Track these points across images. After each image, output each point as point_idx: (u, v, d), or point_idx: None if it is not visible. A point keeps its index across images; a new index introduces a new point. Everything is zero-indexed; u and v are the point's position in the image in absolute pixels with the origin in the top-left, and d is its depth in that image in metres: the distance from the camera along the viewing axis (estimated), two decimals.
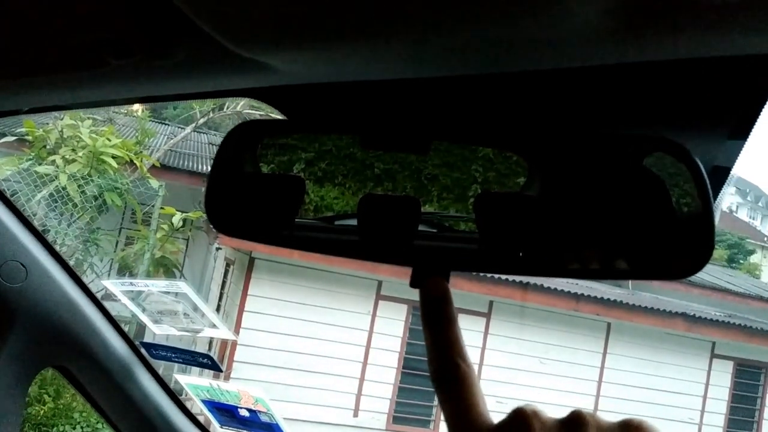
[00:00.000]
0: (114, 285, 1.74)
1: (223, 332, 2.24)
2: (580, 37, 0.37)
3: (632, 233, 0.46)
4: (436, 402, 8.24)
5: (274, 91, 0.55)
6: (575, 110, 0.54)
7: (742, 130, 0.48)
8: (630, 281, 10.70)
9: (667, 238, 0.44)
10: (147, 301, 1.75)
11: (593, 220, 0.47)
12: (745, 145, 0.49)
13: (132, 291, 1.76)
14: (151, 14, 0.44)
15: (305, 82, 0.50)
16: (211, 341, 7.88)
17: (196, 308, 1.81)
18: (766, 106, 0.46)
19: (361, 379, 8.18)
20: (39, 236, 1.09)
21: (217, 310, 8.45)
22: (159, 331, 1.79)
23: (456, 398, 0.44)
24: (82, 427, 5.95)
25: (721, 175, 0.50)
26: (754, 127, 0.47)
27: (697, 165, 0.40)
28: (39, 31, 0.48)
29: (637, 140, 0.47)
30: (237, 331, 7.74)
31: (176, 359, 1.56)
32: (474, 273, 7.78)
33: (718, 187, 0.49)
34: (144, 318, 1.74)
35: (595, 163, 0.48)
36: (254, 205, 0.54)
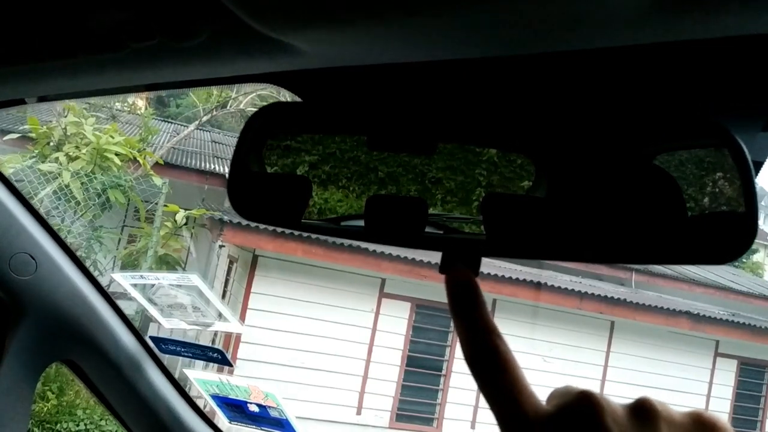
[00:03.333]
0: (123, 278, 1.73)
1: (234, 325, 2.23)
2: (617, 15, 0.36)
3: (646, 227, 0.45)
4: (439, 400, 8.25)
5: (296, 75, 0.54)
6: (595, 100, 0.53)
7: None
8: (633, 279, 10.70)
9: (684, 228, 0.43)
10: (157, 294, 1.74)
11: (604, 219, 0.46)
12: None
13: (141, 284, 1.75)
14: None
15: (330, 65, 0.49)
16: (213, 339, 7.88)
17: (207, 301, 1.80)
18: None
19: (364, 377, 8.17)
20: (49, 229, 1.08)
21: None
22: (169, 325, 1.78)
23: (500, 381, 0.41)
24: (85, 424, 5.95)
25: (754, 168, 0.49)
26: None
27: (740, 145, 0.39)
28: (54, 13, 0.47)
29: (680, 120, 0.45)
30: None
31: (186, 353, 1.55)
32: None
33: None
34: (154, 311, 1.73)
35: (606, 161, 0.47)
36: (266, 200, 0.54)
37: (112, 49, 0.49)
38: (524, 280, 8.21)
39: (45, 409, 5.79)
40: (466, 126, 0.53)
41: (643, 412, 0.38)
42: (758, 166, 0.48)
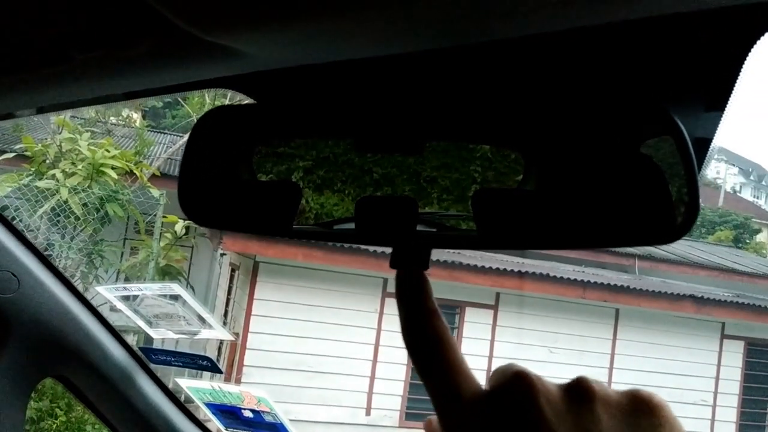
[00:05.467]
0: (108, 291, 1.73)
1: (220, 333, 2.23)
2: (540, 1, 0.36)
3: (630, 216, 0.45)
4: None
5: (247, 78, 0.54)
6: (555, 90, 0.53)
7: (718, 102, 0.47)
8: (636, 266, 10.70)
9: (669, 218, 0.43)
10: (142, 305, 1.74)
11: (591, 206, 0.46)
12: (723, 117, 0.48)
13: (126, 296, 1.76)
14: (111, 3, 0.43)
15: (279, 66, 0.49)
16: (220, 346, 7.89)
17: (191, 310, 1.80)
18: (740, 79, 0.45)
19: (372, 378, 8.18)
20: (30, 246, 1.08)
21: (225, 315, 8.47)
22: (156, 335, 1.79)
23: (436, 360, 0.40)
24: None
25: (702, 146, 0.50)
26: (731, 97, 0.46)
27: (677, 125, 0.39)
28: None
29: (619, 106, 0.46)
30: (245, 336, 7.75)
31: (176, 363, 1.56)
32: (479, 266, 7.77)
33: (701, 158, 0.48)
34: (140, 322, 1.73)
35: (590, 149, 0.48)
36: (251, 212, 0.53)
37: (59, 62, 0.49)
38: (527, 272, 8.21)
39: (54, 426, 5.80)
40: (450, 123, 0.53)
41: (578, 392, 0.37)
42: (707, 143, 0.48)
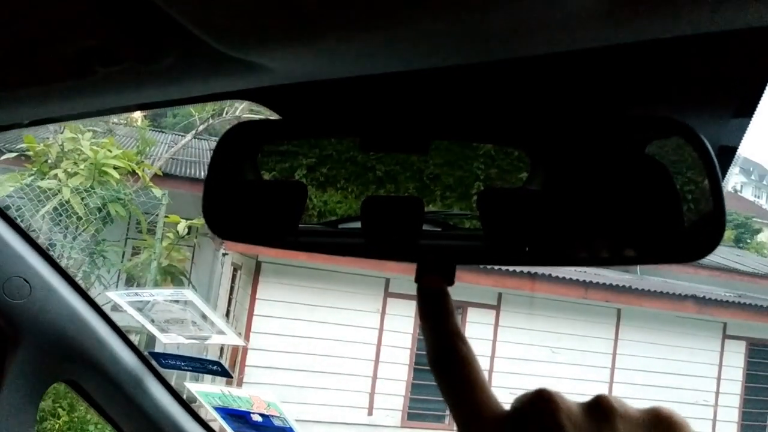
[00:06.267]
0: (120, 296, 1.73)
1: (231, 338, 2.24)
2: (578, 18, 0.36)
3: (640, 220, 0.45)
4: None
5: (267, 91, 0.54)
6: (575, 97, 0.53)
7: (746, 108, 0.47)
8: (638, 266, 10.68)
9: (678, 222, 0.43)
10: (153, 310, 1.74)
11: (599, 210, 0.46)
12: (750, 123, 0.48)
13: (138, 301, 1.76)
14: (137, 19, 0.43)
15: (298, 80, 0.49)
16: (222, 347, 7.89)
17: (203, 315, 1.80)
18: None
19: (374, 378, 8.18)
20: (41, 251, 1.08)
21: (227, 315, 8.46)
22: (167, 340, 1.79)
23: (460, 381, 0.41)
24: None
25: (727, 154, 0.49)
26: (759, 104, 0.46)
27: (704, 143, 0.39)
28: (22, 42, 0.47)
29: (642, 122, 0.45)
30: (247, 336, 7.75)
31: (186, 367, 1.55)
32: (481, 266, 7.78)
33: (725, 167, 0.48)
34: (151, 328, 1.73)
35: (598, 151, 0.47)
36: (257, 212, 0.54)
37: (82, 75, 0.49)
38: (528, 272, 8.20)
39: (57, 426, 5.79)
40: (457, 123, 0.53)
41: (599, 410, 0.38)
42: (732, 151, 0.48)
